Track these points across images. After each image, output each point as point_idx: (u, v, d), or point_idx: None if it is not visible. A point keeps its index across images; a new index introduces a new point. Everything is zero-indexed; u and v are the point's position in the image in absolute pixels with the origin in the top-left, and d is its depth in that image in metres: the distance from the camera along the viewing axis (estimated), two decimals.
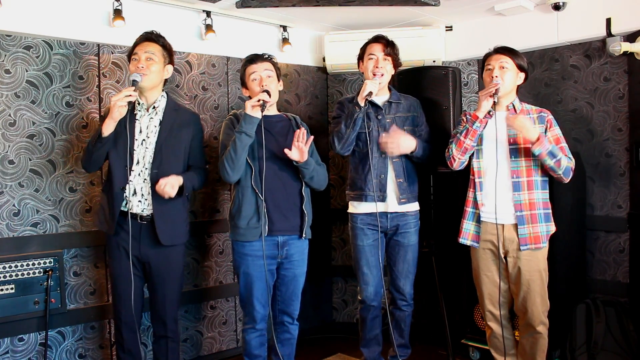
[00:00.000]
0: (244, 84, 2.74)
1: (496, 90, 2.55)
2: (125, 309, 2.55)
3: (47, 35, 2.78)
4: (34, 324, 2.73)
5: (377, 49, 2.87)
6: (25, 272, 2.68)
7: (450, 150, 2.72)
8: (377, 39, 2.91)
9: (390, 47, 2.88)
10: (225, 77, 3.46)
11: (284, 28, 3.64)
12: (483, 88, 2.67)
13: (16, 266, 2.66)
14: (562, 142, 2.63)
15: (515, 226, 2.63)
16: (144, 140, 2.56)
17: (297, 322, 2.85)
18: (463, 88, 3.64)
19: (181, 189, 2.54)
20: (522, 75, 2.68)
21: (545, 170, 2.62)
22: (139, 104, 2.57)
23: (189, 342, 3.30)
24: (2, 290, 2.62)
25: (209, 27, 3.24)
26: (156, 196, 2.51)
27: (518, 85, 2.70)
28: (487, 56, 2.70)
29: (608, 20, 3.08)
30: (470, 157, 2.73)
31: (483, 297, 2.79)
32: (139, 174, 2.54)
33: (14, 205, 2.72)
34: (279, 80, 2.73)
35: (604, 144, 3.23)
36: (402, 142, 2.82)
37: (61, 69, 2.84)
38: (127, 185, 2.50)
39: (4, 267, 2.63)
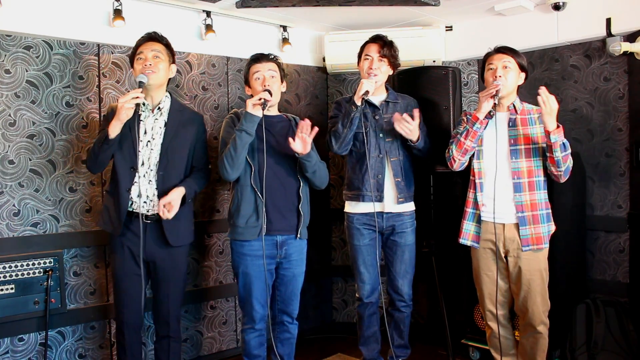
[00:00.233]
0: (247, 82, 2.74)
1: (497, 91, 2.54)
2: (128, 309, 2.55)
3: (47, 35, 2.78)
4: (34, 324, 2.73)
5: (373, 50, 2.87)
6: (25, 272, 2.68)
7: (450, 151, 2.72)
8: (375, 39, 2.91)
9: (387, 47, 2.87)
10: (225, 77, 3.46)
11: (284, 28, 3.64)
12: (483, 88, 2.67)
13: (16, 266, 2.66)
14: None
15: (517, 225, 2.63)
16: (149, 141, 2.55)
17: (297, 322, 2.86)
18: (463, 88, 3.64)
19: (184, 199, 2.56)
20: (523, 75, 2.68)
21: (545, 170, 2.62)
22: (143, 104, 2.56)
23: (189, 342, 3.30)
24: (2, 290, 2.62)
25: (209, 27, 3.24)
26: (163, 197, 2.52)
27: (518, 86, 2.70)
28: (488, 56, 2.69)
29: (608, 20, 3.08)
30: (471, 158, 2.73)
31: (483, 296, 2.79)
32: (144, 176, 2.54)
33: (14, 205, 2.72)
34: (282, 81, 2.73)
35: (604, 144, 3.23)
36: (411, 126, 2.78)
37: (61, 69, 2.84)
38: (133, 187, 2.51)
39: (4, 267, 2.63)
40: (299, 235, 2.71)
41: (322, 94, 3.97)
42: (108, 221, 2.57)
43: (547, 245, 2.63)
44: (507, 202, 2.64)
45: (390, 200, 2.90)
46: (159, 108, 2.59)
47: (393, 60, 2.91)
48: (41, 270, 2.73)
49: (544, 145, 2.59)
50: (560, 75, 3.39)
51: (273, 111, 2.74)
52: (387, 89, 2.98)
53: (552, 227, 2.66)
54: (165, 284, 2.61)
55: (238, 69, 3.49)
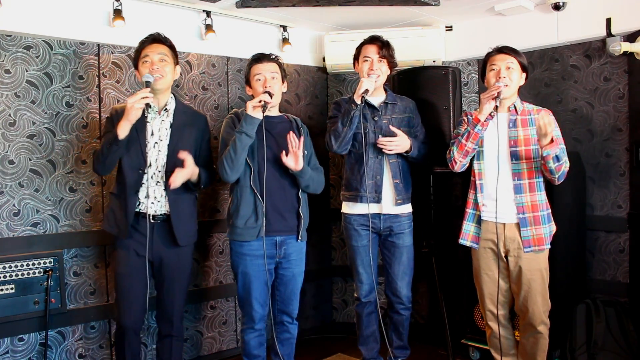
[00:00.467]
0: (248, 83, 2.74)
1: (498, 93, 2.54)
2: (130, 309, 2.54)
3: (47, 35, 2.78)
4: (34, 324, 2.73)
5: (372, 51, 2.86)
6: (25, 272, 2.68)
7: (451, 153, 2.71)
8: (372, 40, 2.90)
9: (385, 48, 2.87)
10: (225, 77, 3.46)
11: (284, 28, 3.64)
12: (483, 88, 2.67)
13: (16, 266, 2.66)
14: (560, 143, 2.63)
15: (517, 225, 2.62)
16: (156, 143, 2.55)
17: (297, 322, 2.86)
18: (463, 88, 3.64)
19: (195, 184, 2.57)
20: (524, 75, 2.67)
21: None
22: (149, 106, 2.54)
23: (189, 342, 3.30)
24: (2, 290, 2.62)
25: (209, 27, 3.24)
26: (172, 198, 2.53)
27: (520, 86, 2.69)
28: (490, 56, 2.67)
29: (608, 20, 3.08)
30: (471, 159, 2.73)
31: (483, 296, 2.79)
32: (152, 177, 2.54)
33: (14, 205, 2.72)
34: (283, 82, 2.74)
35: (604, 144, 3.23)
36: (400, 142, 2.83)
37: (61, 69, 2.84)
38: (141, 188, 2.51)
39: (4, 267, 2.63)
40: (299, 238, 2.72)
41: (322, 94, 3.97)
42: (114, 224, 2.55)
43: (549, 246, 2.63)
44: (508, 203, 2.63)
45: (388, 201, 2.90)
46: (165, 109, 2.60)
47: (391, 61, 2.91)
48: (41, 270, 2.73)
49: None
50: (560, 75, 3.39)
51: (274, 111, 2.74)
52: (385, 90, 2.98)
53: (553, 228, 2.66)
54: (171, 284, 2.61)
55: (238, 69, 3.49)
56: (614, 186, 3.19)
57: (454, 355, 3.26)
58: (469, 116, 2.71)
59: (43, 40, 2.79)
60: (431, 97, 3.13)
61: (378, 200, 2.88)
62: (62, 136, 2.85)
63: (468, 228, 2.77)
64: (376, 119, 2.90)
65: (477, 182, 2.72)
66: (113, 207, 2.58)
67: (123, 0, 2.90)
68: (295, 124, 2.80)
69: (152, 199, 2.52)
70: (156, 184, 2.54)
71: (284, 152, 2.56)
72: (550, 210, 2.66)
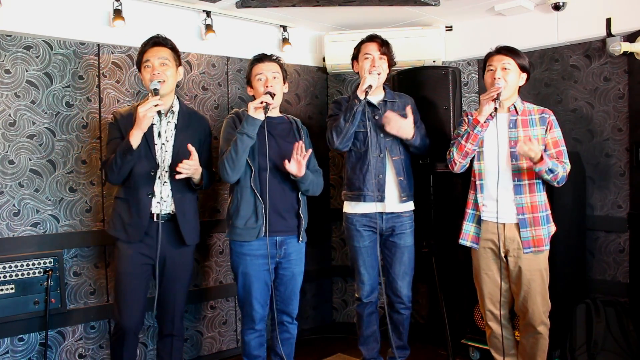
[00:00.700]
0: (249, 83, 2.74)
1: (498, 94, 2.54)
2: (131, 309, 2.53)
3: (47, 35, 2.78)
4: (34, 324, 2.73)
5: (373, 48, 2.86)
6: (25, 272, 2.68)
7: (451, 154, 2.71)
8: (372, 38, 2.90)
9: (385, 46, 2.88)
10: (225, 77, 3.46)
11: (284, 28, 3.64)
12: (483, 88, 2.67)
13: (16, 266, 2.66)
14: (560, 145, 2.63)
15: (517, 226, 2.63)
16: (163, 144, 2.56)
17: (296, 322, 2.86)
18: (463, 88, 3.64)
19: (197, 183, 2.58)
20: (524, 75, 2.66)
21: None
22: (160, 113, 2.49)
23: (189, 342, 3.30)
24: (2, 290, 2.62)
25: (209, 27, 3.24)
26: (177, 197, 2.54)
27: (520, 86, 2.69)
28: (489, 56, 2.68)
29: (608, 20, 3.08)
30: (472, 159, 2.72)
31: (483, 296, 2.79)
32: (159, 177, 2.54)
33: (14, 205, 2.72)
34: (284, 82, 2.74)
35: (604, 144, 3.23)
36: (402, 124, 2.80)
37: (61, 69, 2.84)
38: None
39: (4, 267, 2.63)
40: (300, 239, 2.73)
41: (322, 94, 3.97)
42: (121, 228, 2.53)
43: (548, 247, 2.63)
44: (508, 204, 2.63)
45: (393, 199, 2.90)
46: (172, 111, 2.61)
47: (391, 58, 2.92)
48: (41, 270, 2.72)
49: (543, 146, 2.60)
50: (560, 75, 3.39)
51: (274, 112, 2.74)
52: (384, 88, 2.98)
53: (552, 229, 2.66)
54: (173, 283, 2.61)
55: (238, 69, 3.49)
56: (614, 186, 3.19)
57: (454, 355, 3.26)
58: (469, 116, 2.71)
59: (43, 40, 2.79)
60: (431, 97, 3.13)
61: (382, 199, 2.88)
62: (62, 136, 2.85)
63: (468, 228, 2.77)
64: (377, 117, 2.90)
65: (477, 182, 2.72)
66: (120, 211, 2.55)
67: (123, 0, 2.89)
68: (295, 125, 2.81)
69: (159, 199, 2.53)
70: (163, 184, 2.54)
71: (286, 160, 2.56)
72: (549, 211, 2.66)
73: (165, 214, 2.54)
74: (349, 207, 2.99)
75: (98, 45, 2.95)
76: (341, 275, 3.97)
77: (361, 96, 2.73)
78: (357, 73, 2.97)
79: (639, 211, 3.07)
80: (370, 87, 2.73)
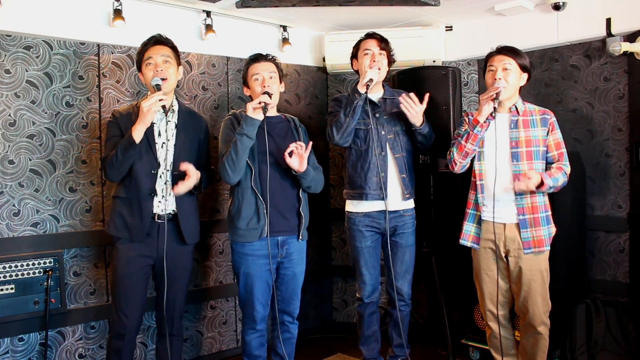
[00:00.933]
0: (245, 83, 2.74)
1: (497, 94, 2.54)
2: (131, 309, 2.53)
3: (47, 35, 2.77)
4: (34, 324, 2.73)
5: (372, 44, 2.87)
6: (25, 272, 2.68)
7: (451, 154, 2.71)
8: (371, 35, 2.91)
9: (384, 42, 2.88)
10: (225, 77, 3.46)
11: (284, 28, 3.64)
12: (484, 88, 2.67)
13: (16, 266, 2.66)
14: (562, 147, 2.63)
15: (517, 226, 2.62)
16: (164, 143, 2.56)
17: (297, 322, 2.85)
18: (463, 88, 3.64)
19: (197, 187, 2.59)
20: (525, 76, 2.66)
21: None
22: (164, 108, 2.51)
23: (189, 342, 3.30)
24: (2, 290, 2.62)
25: (209, 27, 3.24)
26: (178, 197, 2.54)
27: (521, 86, 2.69)
28: (490, 56, 2.67)
29: (608, 20, 3.08)
30: (472, 159, 2.72)
31: (483, 296, 2.79)
32: (161, 177, 2.54)
33: (14, 205, 2.72)
34: (281, 82, 2.74)
35: (604, 144, 3.23)
36: (418, 108, 2.80)
37: (61, 69, 2.84)
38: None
39: (4, 267, 2.63)
40: (300, 237, 2.72)
41: (322, 94, 3.97)
42: (122, 228, 2.52)
43: (549, 248, 2.63)
44: (509, 204, 2.63)
45: (396, 196, 2.90)
46: (172, 110, 2.61)
47: (391, 55, 2.92)
48: (41, 270, 2.72)
49: (544, 147, 2.61)
50: (560, 75, 3.39)
51: (272, 112, 2.73)
52: (383, 85, 2.98)
53: (553, 230, 2.66)
54: (173, 283, 2.59)
55: (238, 69, 3.49)
56: (614, 186, 3.19)
57: (454, 355, 3.26)
58: (470, 116, 2.71)
59: (43, 40, 2.79)
60: (431, 97, 3.12)
61: (384, 197, 2.88)
62: (62, 136, 2.85)
63: (469, 228, 2.77)
64: (377, 115, 2.90)
65: (478, 182, 2.71)
66: (120, 211, 2.54)
67: (123, 0, 2.89)
68: (293, 123, 2.81)
69: (160, 197, 2.54)
70: (164, 183, 2.54)
71: (286, 153, 2.56)
72: (550, 212, 2.66)
73: (167, 214, 2.54)
74: (352, 206, 2.99)
75: (98, 45, 2.95)
76: (341, 275, 3.97)
77: (362, 90, 2.73)
78: (357, 71, 2.97)
79: (639, 211, 3.07)
80: (371, 80, 2.73)
